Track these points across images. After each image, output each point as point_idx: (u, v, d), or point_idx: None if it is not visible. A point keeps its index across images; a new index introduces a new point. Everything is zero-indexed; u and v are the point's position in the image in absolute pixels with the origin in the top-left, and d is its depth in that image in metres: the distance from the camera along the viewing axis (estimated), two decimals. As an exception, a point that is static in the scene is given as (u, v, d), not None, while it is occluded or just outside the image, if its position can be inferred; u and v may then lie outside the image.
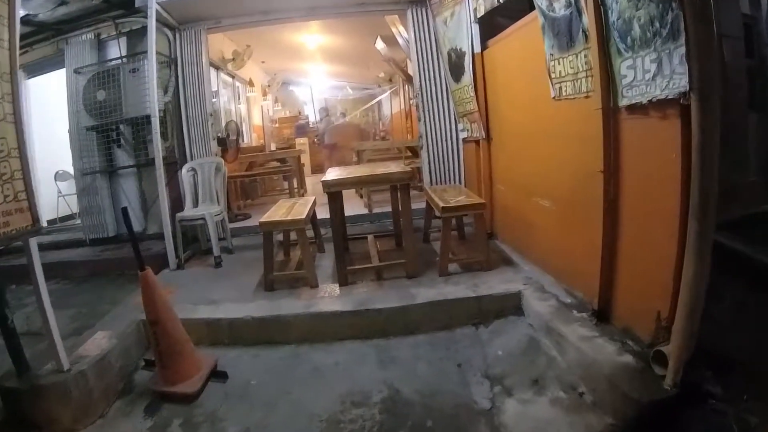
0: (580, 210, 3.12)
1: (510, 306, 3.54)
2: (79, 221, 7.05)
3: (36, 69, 7.07)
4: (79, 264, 5.76)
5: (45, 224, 7.54)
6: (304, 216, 4.11)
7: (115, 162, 6.27)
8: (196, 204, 5.57)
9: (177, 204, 5.60)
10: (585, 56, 2.83)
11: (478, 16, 4.80)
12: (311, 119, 17.12)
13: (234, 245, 5.62)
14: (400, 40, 7.39)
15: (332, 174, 4.50)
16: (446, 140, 6.07)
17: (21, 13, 5.98)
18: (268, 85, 14.47)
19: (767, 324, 2.54)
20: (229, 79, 10.12)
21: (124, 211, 3.09)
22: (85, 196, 6.43)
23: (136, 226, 6.28)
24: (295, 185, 8.53)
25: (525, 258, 4.25)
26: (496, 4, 4.36)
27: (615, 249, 2.75)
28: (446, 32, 5.42)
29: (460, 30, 5.06)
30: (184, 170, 5.61)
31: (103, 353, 3.10)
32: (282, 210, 4.50)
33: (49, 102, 7.27)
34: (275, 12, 6.12)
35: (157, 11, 5.16)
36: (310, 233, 4.86)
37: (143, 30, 5.42)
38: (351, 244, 5.22)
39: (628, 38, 2.37)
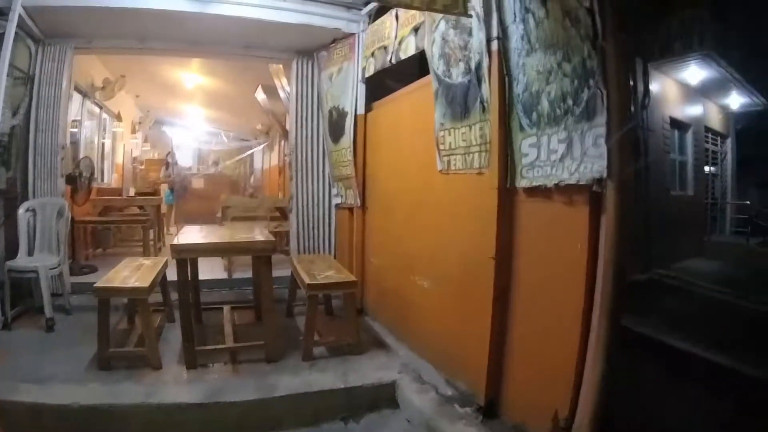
0: (468, 295, 2.93)
1: (384, 398, 3.24)
2: None
3: None
4: None
5: None
6: (147, 284, 3.56)
7: None
8: (32, 251, 4.75)
9: (12, 248, 4.73)
10: (480, 129, 2.69)
11: (366, 76, 4.74)
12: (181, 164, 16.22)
13: (74, 304, 4.78)
14: (281, 93, 7.20)
15: (185, 236, 4.08)
16: (318, 204, 5.74)
17: None
18: (139, 122, 13.46)
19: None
20: (96, 109, 9.17)
21: None
22: None
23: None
24: (151, 238, 7.73)
25: (400, 341, 4.02)
26: (387, 64, 4.29)
27: (506, 340, 2.58)
28: (330, 89, 5.30)
29: (346, 88, 4.96)
30: (21, 209, 4.79)
31: None
32: (125, 272, 3.91)
33: None
34: (153, 40, 5.54)
35: (20, 16, 4.46)
36: (159, 297, 4.36)
37: (1, 36, 4.67)
38: (205, 314, 4.69)
39: (534, 114, 2.23)
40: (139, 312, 3.62)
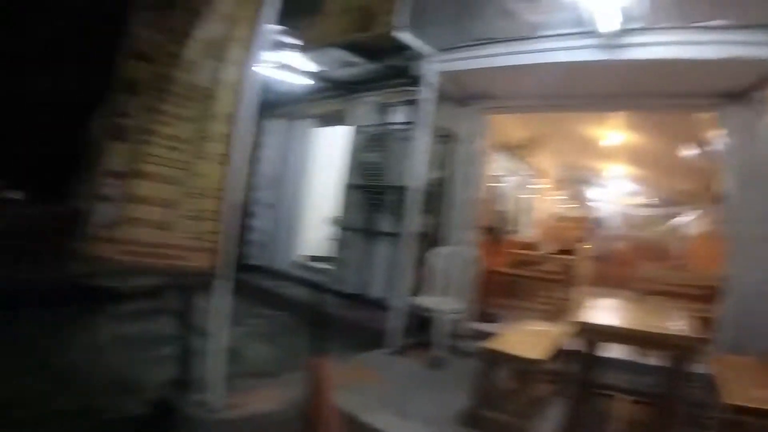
0: None
1: None
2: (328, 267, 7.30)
3: (327, 121, 7.93)
4: (309, 307, 5.92)
5: (304, 260, 8.14)
6: (541, 356, 3.22)
7: (374, 224, 6.36)
8: (438, 292, 5.15)
9: (423, 284, 5.27)
10: None
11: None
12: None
13: (467, 349, 4.89)
14: (709, 148, 5.99)
15: (595, 312, 3.59)
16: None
17: (313, 68, 6.76)
18: (559, 180, 13.73)
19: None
20: (516, 166, 9.75)
21: (322, 291, 2.81)
22: (341, 248, 6.71)
23: (380, 293, 6.25)
24: (561, 296, 7.50)
25: None
26: None
27: None
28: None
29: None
30: (436, 253, 5.25)
31: (262, 412, 2.86)
32: (520, 335, 3.67)
33: (337, 153, 7.69)
34: (560, 97, 5.38)
35: (439, 83, 5.03)
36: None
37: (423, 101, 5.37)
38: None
39: None
40: (525, 382, 3.34)
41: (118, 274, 3.28)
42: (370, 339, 5.03)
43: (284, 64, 6.34)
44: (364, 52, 5.81)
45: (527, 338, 3.57)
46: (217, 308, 3.01)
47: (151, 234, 2.78)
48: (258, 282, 7.31)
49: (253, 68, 3.17)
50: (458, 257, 5.18)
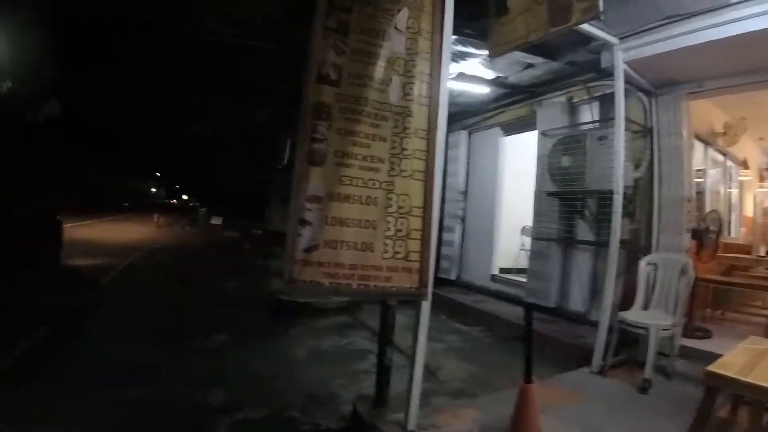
0: None
1: None
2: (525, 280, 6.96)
3: (512, 128, 7.58)
4: (507, 322, 5.67)
5: (497, 272, 7.88)
6: None
7: (574, 233, 5.92)
8: (647, 306, 4.58)
9: (628, 297, 4.74)
10: None
11: None
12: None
13: (678, 369, 4.30)
14: None
15: None
16: None
17: (491, 75, 6.48)
18: (766, 169, 11.74)
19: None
20: (719, 157, 8.49)
21: (528, 309, 2.58)
22: (536, 260, 6.39)
23: (579, 307, 5.80)
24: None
25: None
26: None
27: None
28: None
29: None
30: (642, 263, 4.68)
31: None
32: (745, 357, 2.98)
33: (526, 159, 7.40)
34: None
35: (627, 73, 4.48)
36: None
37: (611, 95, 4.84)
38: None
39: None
40: (749, 412, 2.85)
41: (320, 295, 3.37)
42: (571, 356, 4.70)
43: (466, 74, 6.26)
44: (543, 51, 5.48)
45: (754, 360, 2.92)
46: (418, 326, 2.94)
47: (353, 255, 2.79)
48: (454, 297, 7.25)
49: (441, 80, 3.09)
50: (669, 265, 4.57)
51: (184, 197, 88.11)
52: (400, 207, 2.88)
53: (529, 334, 2.63)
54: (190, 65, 11.04)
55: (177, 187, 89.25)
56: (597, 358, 4.28)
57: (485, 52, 5.42)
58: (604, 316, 4.29)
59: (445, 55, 3.13)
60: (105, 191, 46.78)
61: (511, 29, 2.67)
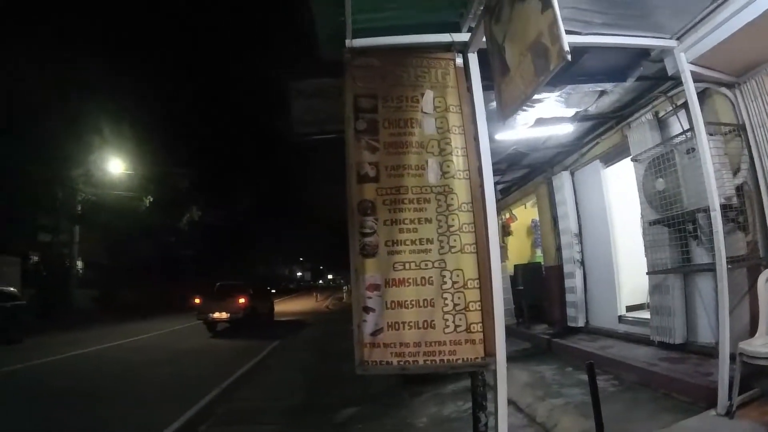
0: None
1: None
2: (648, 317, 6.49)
3: (610, 158, 7.27)
4: (631, 367, 5.32)
5: (624, 312, 7.39)
6: None
7: (690, 259, 5.43)
8: (772, 330, 4.08)
9: (754, 323, 4.26)
10: None
11: None
12: None
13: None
14: None
15: None
16: None
17: (570, 111, 6.24)
18: None
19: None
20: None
21: (590, 366, 2.54)
22: (656, 294, 5.96)
23: (709, 339, 5.27)
24: None
25: None
26: None
27: None
28: None
29: None
30: (761, 279, 4.18)
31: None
32: None
33: (631, 187, 6.99)
34: None
35: (697, 73, 4.12)
36: None
37: (700, 96, 4.41)
38: None
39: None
40: None
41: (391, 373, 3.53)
42: (699, 398, 4.27)
43: (545, 118, 6.22)
44: (606, 76, 5.32)
45: None
46: (497, 395, 2.98)
47: (416, 334, 2.96)
48: (580, 345, 6.93)
49: (480, 151, 3.20)
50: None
51: (329, 277, 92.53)
52: (454, 282, 3.01)
53: (595, 393, 2.57)
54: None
55: (321, 267, 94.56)
56: (722, 397, 3.85)
57: (554, 91, 5.42)
58: (723, 349, 3.87)
59: (481, 124, 3.24)
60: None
61: (513, 87, 2.74)
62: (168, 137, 23.66)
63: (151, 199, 23.01)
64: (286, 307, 29.64)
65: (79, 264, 22.95)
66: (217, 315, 15.73)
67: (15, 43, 15.94)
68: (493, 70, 3.02)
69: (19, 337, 12.64)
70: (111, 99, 19.82)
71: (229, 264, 38.13)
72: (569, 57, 2.16)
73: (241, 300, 16.42)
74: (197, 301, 16.46)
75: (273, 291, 30.73)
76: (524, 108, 5.78)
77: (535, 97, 5.51)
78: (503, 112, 2.95)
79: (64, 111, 18.06)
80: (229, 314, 15.83)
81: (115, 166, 21.16)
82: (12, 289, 14.32)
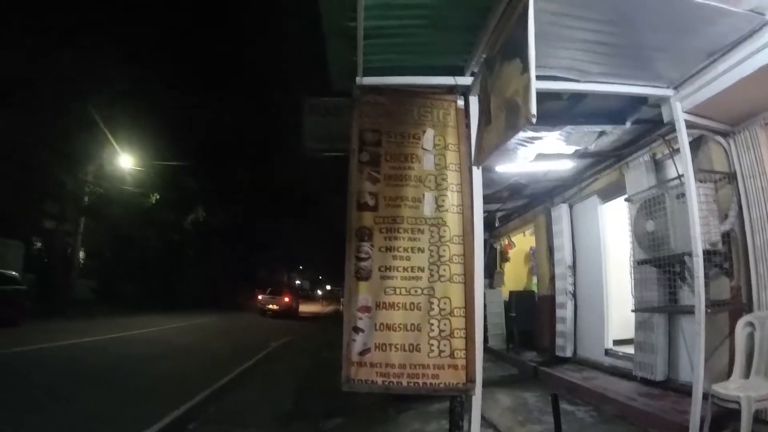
0: None
1: None
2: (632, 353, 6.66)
3: (607, 194, 7.48)
4: (611, 400, 5.50)
5: (611, 345, 7.54)
6: None
7: (676, 300, 5.60)
8: (748, 373, 4.25)
9: (732, 363, 4.42)
10: None
11: None
12: None
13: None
14: None
15: None
16: None
17: (570, 149, 6.44)
18: None
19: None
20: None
21: (554, 398, 2.74)
22: (641, 331, 6.14)
23: (689, 377, 5.42)
24: None
25: None
26: None
27: None
28: None
29: None
30: (739, 325, 4.37)
31: None
32: None
33: (620, 226, 7.24)
34: None
35: (691, 122, 4.22)
36: None
37: (696, 142, 4.64)
38: None
39: None
40: None
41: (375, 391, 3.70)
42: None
43: (545, 153, 6.41)
44: (605, 118, 5.55)
45: None
46: (470, 421, 3.15)
47: (402, 356, 3.15)
48: (566, 375, 7.09)
49: (472, 188, 3.41)
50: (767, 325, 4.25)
51: (327, 287, 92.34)
52: (441, 309, 3.21)
53: (558, 422, 2.75)
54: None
55: (320, 277, 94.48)
56: (696, 437, 3.99)
57: (554, 130, 5.63)
58: (696, 390, 4.04)
59: (475, 159, 3.45)
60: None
61: (490, 137, 2.99)
62: (181, 140, 23.92)
63: (158, 197, 23.24)
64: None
65: (81, 254, 23.14)
66: (270, 306, 27.11)
67: (42, 37, 16.22)
68: (480, 118, 3.27)
69: (16, 321, 12.77)
70: (130, 97, 20.12)
71: (229, 265, 38.25)
72: (534, 120, 2.37)
73: (286, 299, 28.01)
74: (259, 297, 29.13)
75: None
76: (524, 143, 6.02)
77: (537, 134, 5.75)
78: (477, 158, 3.19)
79: (85, 105, 18.30)
80: (277, 307, 27.10)
81: (126, 161, 21.42)
82: (14, 273, 14.46)
